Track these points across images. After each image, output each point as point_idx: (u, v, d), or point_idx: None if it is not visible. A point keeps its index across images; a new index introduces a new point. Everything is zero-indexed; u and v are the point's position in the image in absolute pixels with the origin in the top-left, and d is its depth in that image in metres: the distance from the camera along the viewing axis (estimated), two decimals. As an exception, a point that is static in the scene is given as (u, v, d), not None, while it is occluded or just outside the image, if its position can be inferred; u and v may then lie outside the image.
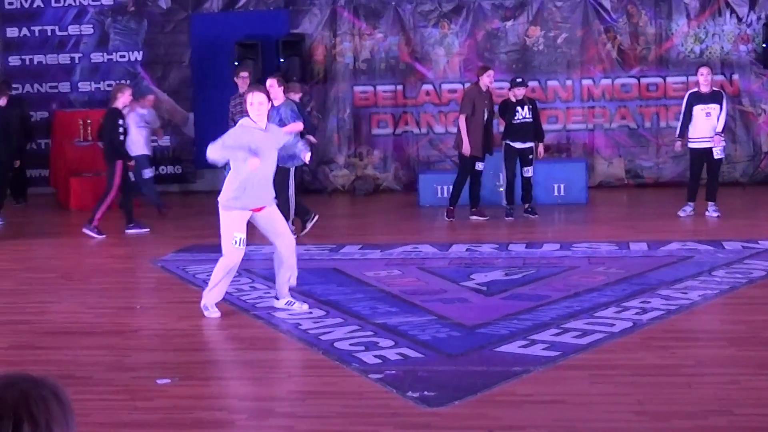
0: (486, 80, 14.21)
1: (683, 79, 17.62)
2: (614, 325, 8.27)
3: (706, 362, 7.21)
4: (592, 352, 7.53)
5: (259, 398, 6.69)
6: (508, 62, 18.09)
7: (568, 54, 18.07)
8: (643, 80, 17.79)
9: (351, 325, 8.52)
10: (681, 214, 14.06)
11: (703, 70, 14.15)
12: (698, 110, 13.98)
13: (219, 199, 8.79)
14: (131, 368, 7.42)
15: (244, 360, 7.63)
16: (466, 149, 14.22)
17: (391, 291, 9.85)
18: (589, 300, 9.17)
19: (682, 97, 16.38)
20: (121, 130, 13.73)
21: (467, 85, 17.31)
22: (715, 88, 14.36)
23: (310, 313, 8.92)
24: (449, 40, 18.31)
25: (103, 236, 13.40)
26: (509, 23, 18.20)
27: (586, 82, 18.03)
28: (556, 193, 15.95)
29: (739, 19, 17.70)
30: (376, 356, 7.54)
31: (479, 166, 14.39)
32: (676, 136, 14.69)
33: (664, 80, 17.32)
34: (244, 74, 15.34)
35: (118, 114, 13.76)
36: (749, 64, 17.66)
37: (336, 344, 7.91)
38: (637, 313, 8.63)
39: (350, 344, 7.90)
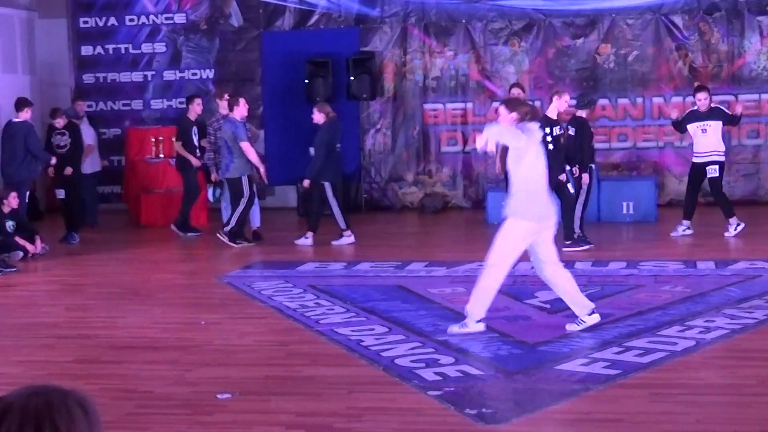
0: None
1: (756, 96, 17.45)
2: (677, 343, 8.20)
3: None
4: (652, 371, 7.47)
5: (317, 414, 6.72)
6: (579, 80, 18.02)
7: (638, 72, 17.96)
8: (715, 98, 17.59)
9: (412, 342, 8.53)
10: (673, 234, 13.96)
11: (701, 96, 14.06)
12: (693, 128, 13.99)
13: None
14: (192, 383, 7.50)
15: (304, 376, 7.67)
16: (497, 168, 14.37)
17: (455, 308, 9.83)
18: (653, 318, 9.10)
19: (755, 116, 16.26)
20: None
21: (537, 103, 17.30)
22: (713, 105, 14.24)
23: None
24: (519, 57, 18.29)
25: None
26: (580, 41, 18.14)
27: (657, 100, 17.90)
28: (625, 211, 15.84)
29: (813, 36, 17.48)
30: (436, 373, 7.55)
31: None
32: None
33: (736, 98, 17.11)
34: (226, 96, 15.30)
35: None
36: (821, 80, 17.43)
37: (396, 361, 7.93)
38: (700, 332, 8.55)
39: (411, 361, 7.92)
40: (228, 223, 14.30)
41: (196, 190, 15.71)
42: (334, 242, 14.20)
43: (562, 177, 12.86)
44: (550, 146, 12.93)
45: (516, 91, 14.48)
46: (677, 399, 6.80)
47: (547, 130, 12.92)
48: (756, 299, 9.80)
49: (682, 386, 7.07)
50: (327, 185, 14.20)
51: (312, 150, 14.56)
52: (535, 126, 8.71)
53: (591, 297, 10.10)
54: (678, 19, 17.83)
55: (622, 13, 18.02)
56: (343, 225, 14.27)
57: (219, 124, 14.70)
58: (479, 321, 8.69)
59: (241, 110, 14.24)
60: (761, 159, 17.64)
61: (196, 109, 15.73)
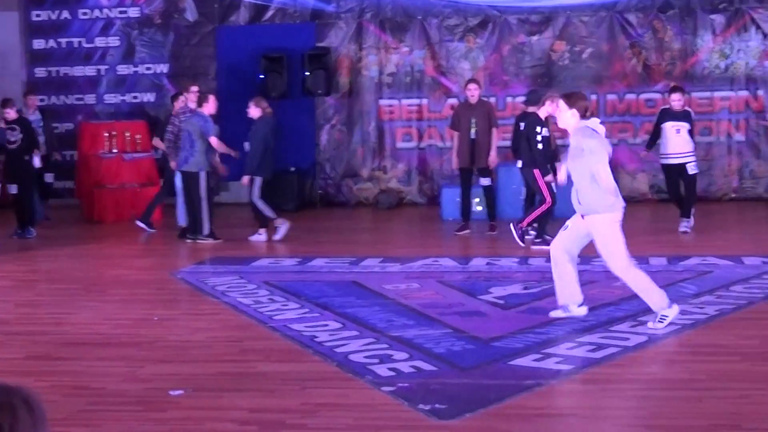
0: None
1: (708, 94, 17.61)
2: (629, 339, 8.26)
3: (719, 377, 7.18)
4: (605, 366, 7.52)
5: (270, 410, 6.70)
6: (533, 77, 18.10)
7: (593, 69, 18.06)
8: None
9: (367, 338, 8.54)
10: (681, 230, 14.05)
11: (675, 96, 14.19)
12: (668, 126, 14.05)
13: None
14: (145, 380, 7.45)
15: (258, 372, 7.64)
16: (454, 163, 14.49)
17: (409, 304, 9.87)
18: (606, 314, 9.16)
19: (708, 113, 16.43)
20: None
21: (492, 99, 17.36)
22: (686, 108, 14.34)
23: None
24: (474, 54, 18.34)
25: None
26: (535, 38, 18.21)
27: (611, 96, 18.01)
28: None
29: (765, 35, 17.67)
30: (389, 369, 7.55)
31: (483, 181, 14.46)
32: (645, 147, 15.07)
33: (689, 96, 17.23)
34: (195, 88, 15.27)
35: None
36: (775, 79, 17.62)
37: (350, 356, 7.93)
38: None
39: (365, 357, 7.92)
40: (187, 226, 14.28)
41: (173, 187, 15.69)
42: (250, 237, 14.14)
43: (549, 177, 12.89)
44: (540, 146, 13.02)
45: (473, 87, 14.52)
46: (629, 394, 6.85)
47: (538, 129, 13.00)
48: (707, 295, 9.89)
49: (634, 381, 7.12)
50: (258, 180, 14.09)
51: (247, 145, 14.46)
52: (596, 122, 8.70)
53: (545, 293, 10.19)
54: (632, 17, 17.95)
55: (577, 10, 18.11)
56: (265, 222, 14.15)
57: (186, 117, 14.63)
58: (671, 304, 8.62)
59: (210, 106, 14.20)
60: (713, 156, 17.81)
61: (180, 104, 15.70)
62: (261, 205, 14.13)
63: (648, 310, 9.04)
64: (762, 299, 9.70)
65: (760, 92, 17.69)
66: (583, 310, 8.97)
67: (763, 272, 10.95)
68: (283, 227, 14.18)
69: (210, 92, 15.03)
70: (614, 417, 6.40)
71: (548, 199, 13.03)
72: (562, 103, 8.70)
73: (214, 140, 14.02)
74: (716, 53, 17.82)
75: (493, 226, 14.56)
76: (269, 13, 18.77)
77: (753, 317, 8.98)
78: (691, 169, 14.14)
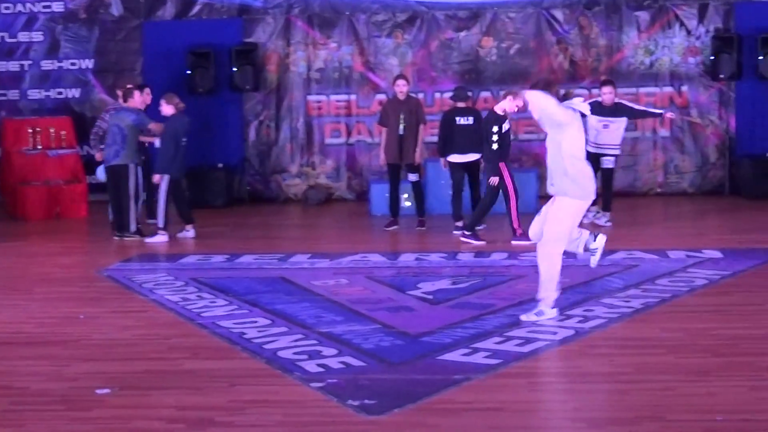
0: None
1: (633, 90, 17.79)
2: (556, 333, 8.33)
3: (644, 369, 7.27)
4: (532, 360, 7.59)
5: (198, 407, 6.67)
6: (461, 73, 18.17)
7: (520, 65, 18.17)
8: (594, 91, 17.87)
9: (295, 334, 8.53)
10: (600, 223, 14.21)
11: (606, 89, 14.36)
12: (595, 121, 14.10)
13: None
14: (71, 378, 7.37)
15: (185, 369, 7.60)
16: (382, 159, 14.59)
17: (338, 300, 9.87)
18: (533, 308, 9.20)
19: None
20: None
21: (420, 95, 17.41)
22: (617, 100, 14.48)
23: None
24: (403, 50, 18.36)
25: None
26: (462, 34, 18.28)
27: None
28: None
29: (689, 32, 17.89)
30: (318, 365, 7.56)
31: (411, 177, 14.50)
32: None
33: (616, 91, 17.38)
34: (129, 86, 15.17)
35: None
36: (698, 76, 17.85)
37: (279, 353, 7.92)
38: (579, 321, 8.70)
39: (293, 353, 7.91)
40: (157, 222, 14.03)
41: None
42: (147, 239, 13.92)
43: (494, 179, 12.97)
44: (495, 146, 13.06)
45: (401, 83, 14.55)
46: (556, 387, 6.92)
47: (494, 129, 13.05)
48: (633, 288, 10.01)
49: (561, 375, 7.20)
50: (166, 178, 13.90)
51: (157, 142, 14.29)
52: (578, 101, 8.78)
53: (473, 288, 10.26)
54: (558, 14, 18.09)
55: (504, 6, 18.20)
56: (161, 223, 13.94)
57: (115, 112, 14.47)
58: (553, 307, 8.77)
59: (135, 101, 14.09)
60: (638, 151, 18.01)
61: (145, 99, 15.41)
62: (161, 205, 13.88)
63: (576, 304, 9.16)
64: (686, 293, 9.83)
65: (684, 88, 17.93)
66: (554, 312, 8.86)
67: (688, 266, 11.10)
68: (161, 237, 13.90)
69: (141, 86, 14.93)
70: (542, 410, 6.46)
71: (512, 194, 13.10)
72: (535, 94, 8.68)
73: (155, 126, 13.88)
74: (641, 50, 18.03)
75: (422, 222, 14.60)
76: (196, 9, 18.63)
77: (677, 310, 9.10)
78: (606, 164, 14.29)
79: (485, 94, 17.92)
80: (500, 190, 13.22)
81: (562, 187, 8.68)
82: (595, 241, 8.94)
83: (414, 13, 18.31)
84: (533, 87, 8.81)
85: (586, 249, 9.01)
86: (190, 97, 16.87)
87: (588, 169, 8.80)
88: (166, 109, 13.98)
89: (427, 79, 18.20)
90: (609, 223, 14.22)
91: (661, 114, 15.22)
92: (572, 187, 8.65)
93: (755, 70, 17.28)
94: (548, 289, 8.77)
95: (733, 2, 17.82)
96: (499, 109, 13.24)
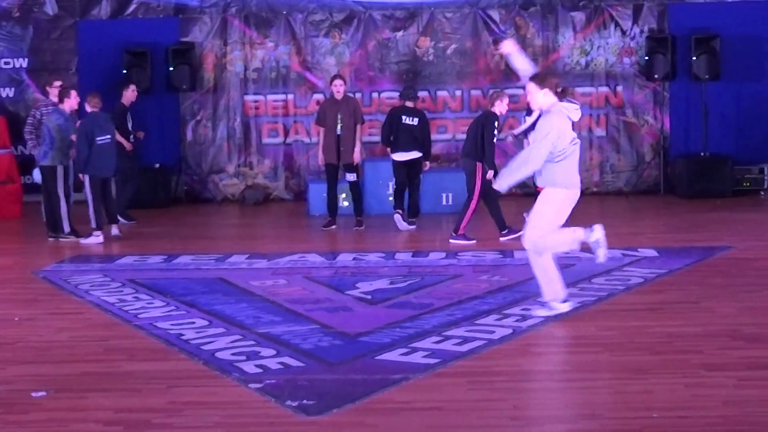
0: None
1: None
2: (494, 332, 8.37)
3: (581, 367, 7.34)
4: (471, 359, 7.62)
5: (136, 410, 6.62)
6: (399, 72, 18.21)
7: (457, 65, 18.25)
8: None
9: (233, 335, 8.49)
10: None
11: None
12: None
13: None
14: (6, 381, 7.29)
15: (123, 371, 7.54)
16: (320, 159, 14.69)
17: (276, 300, 9.85)
18: (471, 308, 9.27)
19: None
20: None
21: (358, 95, 17.43)
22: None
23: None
24: (340, 49, 18.36)
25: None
26: (400, 34, 18.32)
27: (475, 92, 18.22)
28: (444, 202, 16.12)
29: (623, 33, 18.09)
30: (257, 366, 7.54)
31: (349, 177, 14.52)
32: (514, 131, 15.16)
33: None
34: (57, 83, 15.08)
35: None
36: (633, 76, 18.05)
37: (217, 354, 7.89)
38: (517, 320, 8.75)
39: (232, 354, 7.88)
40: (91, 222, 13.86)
41: (132, 176, 15.69)
42: (82, 240, 13.78)
43: (490, 174, 13.04)
44: (491, 147, 13.15)
45: (338, 83, 14.55)
46: (495, 386, 6.95)
47: (495, 131, 13.15)
48: (570, 287, 10.04)
49: (500, 373, 7.22)
50: (86, 178, 13.77)
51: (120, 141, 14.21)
52: (572, 108, 8.76)
53: (411, 287, 10.28)
54: (495, 14, 18.19)
55: (441, 6, 18.28)
56: (94, 223, 13.81)
57: (48, 110, 14.33)
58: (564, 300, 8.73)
59: (71, 102, 13.93)
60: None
61: (129, 95, 15.97)
62: (90, 205, 13.74)
63: (513, 303, 9.22)
64: (622, 291, 9.93)
65: (620, 88, 18.12)
66: (567, 306, 8.84)
67: (624, 265, 11.22)
68: (96, 239, 13.77)
69: (72, 87, 14.78)
70: (480, 409, 6.48)
71: (476, 197, 13.14)
72: (532, 85, 8.68)
73: (74, 138, 13.76)
74: (577, 50, 18.19)
75: (360, 222, 14.62)
76: (132, 8, 18.49)
77: (613, 309, 9.19)
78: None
79: (422, 93, 17.96)
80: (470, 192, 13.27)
81: (551, 177, 8.66)
82: (593, 232, 8.88)
83: (351, 13, 18.32)
84: (535, 79, 8.75)
85: (587, 247, 8.96)
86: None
87: (575, 163, 8.78)
88: (88, 108, 13.91)
89: (364, 78, 18.21)
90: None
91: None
92: (561, 177, 8.64)
93: (689, 70, 17.49)
94: (551, 291, 8.73)
95: (667, 3, 18.04)
96: (497, 109, 13.34)
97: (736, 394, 6.63)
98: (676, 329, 8.40)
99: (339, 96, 14.47)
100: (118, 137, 14.90)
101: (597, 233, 8.84)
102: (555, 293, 8.84)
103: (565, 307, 8.84)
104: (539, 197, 8.78)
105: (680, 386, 6.82)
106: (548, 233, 8.71)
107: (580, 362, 7.50)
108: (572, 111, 8.82)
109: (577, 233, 8.84)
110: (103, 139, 13.78)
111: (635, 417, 6.21)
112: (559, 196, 8.66)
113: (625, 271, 10.88)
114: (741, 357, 7.52)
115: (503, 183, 8.72)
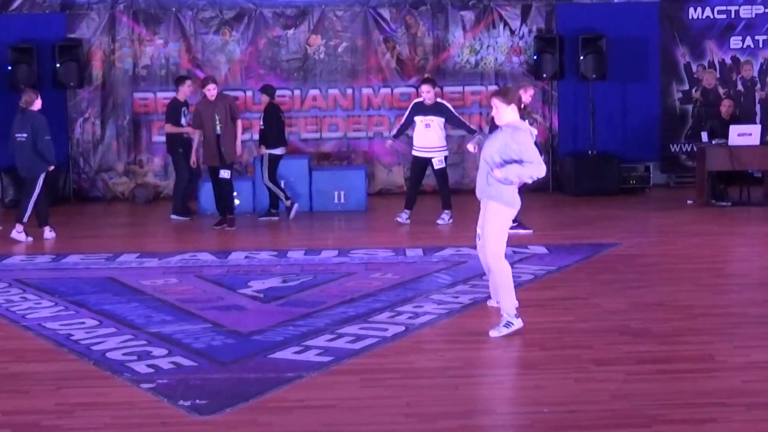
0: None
1: (459, 89, 18.11)
2: (387, 329, 8.42)
3: (474, 363, 7.42)
4: (364, 357, 7.65)
5: (24, 412, 6.52)
6: (290, 70, 18.17)
7: (348, 63, 18.27)
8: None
9: (124, 335, 8.42)
10: (398, 220, 14.42)
11: (424, 88, 14.62)
12: (418, 120, 14.47)
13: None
14: None
15: (10, 373, 7.41)
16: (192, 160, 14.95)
17: (168, 299, 9.77)
18: (364, 305, 9.30)
19: (460, 107, 16.92)
20: None
21: (248, 93, 17.36)
22: (438, 100, 14.76)
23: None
24: (230, 47, 18.25)
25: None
26: (291, 31, 18.27)
27: (366, 90, 18.26)
28: (336, 201, 16.12)
29: (512, 32, 18.30)
30: (148, 365, 7.48)
31: (223, 174, 14.46)
32: (391, 135, 15.56)
33: (442, 90, 17.64)
34: None
35: None
36: (522, 75, 18.24)
37: (108, 354, 7.81)
38: (409, 318, 8.81)
39: (123, 354, 7.81)
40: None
41: (186, 172, 15.48)
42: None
43: None
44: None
45: (211, 86, 14.45)
46: (388, 383, 6.98)
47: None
48: (461, 284, 10.18)
49: (393, 371, 7.26)
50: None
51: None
52: (525, 125, 8.63)
53: (303, 286, 10.27)
54: (385, 12, 18.26)
55: (331, 5, 18.27)
56: (22, 218, 13.63)
57: None
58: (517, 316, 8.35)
59: None
60: (465, 149, 18.27)
61: (185, 90, 15.77)
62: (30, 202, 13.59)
63: (406, 301, 9.27)
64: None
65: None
66: (520, 322, 8.37)
67: (514, 262, 11.27)
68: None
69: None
70: (374, 406, 6.51)
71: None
72: (498, 101, 8.47)
73: None
74: (467, 49, 18.34)
75: (232, 221, 14.44)
76: (16, 3, 18.13)
77: (504, 305, 9.27)
78: (437, 164, 14.52)
79: (314, 92, 17.96)
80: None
81: (498, 193, 8.43)
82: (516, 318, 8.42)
83: (241, 11, 18.22)
84: (501, 95, 8.65)
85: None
86: (12, 94, 16.40)
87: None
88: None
89: (255, 76, 18.12)
90: (451, 221, 14.37)
91: (473, 132, 15.26)
92: (509, 195, 8.47)
93: (576, 69, 17.76)
94: (506, 300, 8.35)
95: (555, 4, 18.29)
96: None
97: (624, 388, 6.76)
98: (565, 325, 8.54)
99: (212, 97, 14.37)
100: (176, 130, 15.35)
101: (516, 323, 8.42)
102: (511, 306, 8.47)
103: (519, 323, 8.37)
104: (490, 216, 8.45)
105: (570, 381, 6.94)
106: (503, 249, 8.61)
107: (472, 358, 7.58)
108: (533, 132, 8.84)
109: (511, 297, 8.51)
110: (17, 137, 13.58)
111: (527, 412, 6.31)
112: (507, 214, 8.56)
113: (515, 268, 10.89)
114: (629, 352, 7.67)
115: (507, 174, 8.49)
